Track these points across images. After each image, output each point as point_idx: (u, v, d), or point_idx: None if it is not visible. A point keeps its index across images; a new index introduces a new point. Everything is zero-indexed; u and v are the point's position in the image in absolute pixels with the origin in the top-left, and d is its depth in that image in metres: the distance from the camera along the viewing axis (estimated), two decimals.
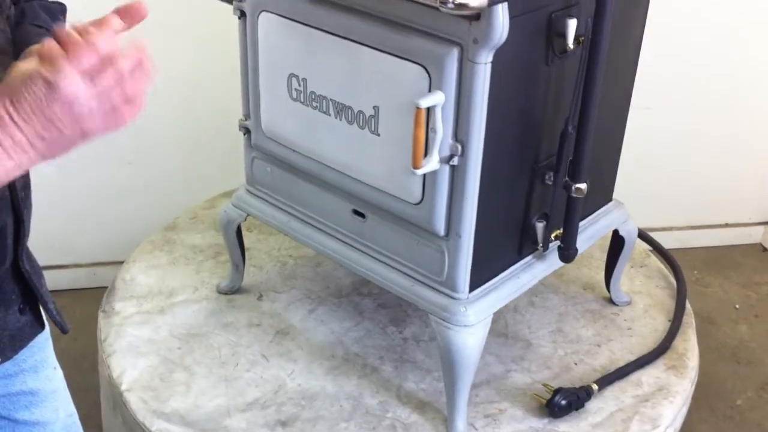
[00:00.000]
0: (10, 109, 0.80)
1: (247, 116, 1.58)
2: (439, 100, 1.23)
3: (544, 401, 1.49)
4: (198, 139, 2.33)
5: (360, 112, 1.35)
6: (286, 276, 1.84)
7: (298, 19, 1.39)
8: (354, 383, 1.56)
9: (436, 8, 1.12)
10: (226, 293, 1.78)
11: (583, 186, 1.40)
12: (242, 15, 1.48)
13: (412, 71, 1.26)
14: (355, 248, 1.50)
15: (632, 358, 1.64)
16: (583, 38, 1.29)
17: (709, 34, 2.33)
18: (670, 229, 2.58)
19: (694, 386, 1.61)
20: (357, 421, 1.48)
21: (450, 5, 1.08)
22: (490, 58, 1.20)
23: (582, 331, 1.71)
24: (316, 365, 1.60)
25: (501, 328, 1.70)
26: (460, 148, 1.27)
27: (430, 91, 1.25)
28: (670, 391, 1.57)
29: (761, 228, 2.69)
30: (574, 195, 1.41)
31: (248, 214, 1.66)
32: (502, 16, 1.16)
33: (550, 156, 1.42)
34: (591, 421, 1.50)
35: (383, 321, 1.72)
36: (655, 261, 1.92)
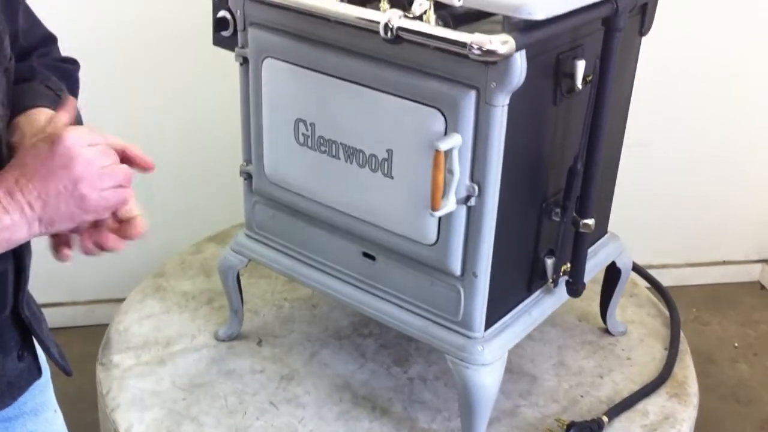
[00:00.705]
0: (16, 172, 0.83)
1: (248, 161, 1.57)
2: (457, 142, 1.25)
3: None
4: (193, 177, 2.36)
5: (372, 155, 1.36)
6: (284, 319, 1.83)
7: (306, 65, 1.39)
8: (366, 427, 1.55)
9: (462, 55, 1.13)
10: (224, 340, 1.75)
11: (590, 221, 1.42)
12: (244, 61, 1.48)
13: (428, 114, 1.27)
14: (366, 290, 1.50)
15: (635, 387, 1.67)
16: (590, 77, 1.32)
17: (708, 73, 2.38)
18: (669, 266, 2.59)
19: (696, 413, 1.64)
20: None
21: (476, 52, 1.10)
22: (507, 101, 1.22)
23: (583, 363, 1.73)
24: (326, 410, 1.59)
25: (509, 364, 1.71)
26: (476, 188, 1.28)
27: (446, 133, 1.26)
28: (677, 419, 1.59)
29: (759, 266, 2.72)
30: (582, 230, 1.43)
31: (249, 260, 1.65)
32: (520, 59, 1.18)
33: (556, 193, 1.44)
34: None
35: (387, 362, 1.72)
36: (644, 290, 1.96)
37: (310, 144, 1.43)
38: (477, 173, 1.27)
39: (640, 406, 1.62)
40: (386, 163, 1.35)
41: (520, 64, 1.18)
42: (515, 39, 1.10)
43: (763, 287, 2.71)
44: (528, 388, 1.66)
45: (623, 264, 1.70)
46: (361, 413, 1.58)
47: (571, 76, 1.32)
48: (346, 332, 1.80)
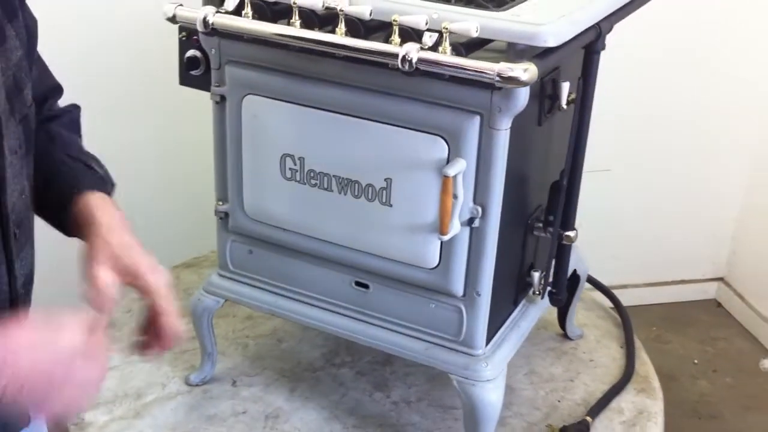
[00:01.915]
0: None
1: (223, 200, 1.54)
2: (462, 167, 1.29)
3: None
4: (154, 209, 2.33)
5: (369, 185, 1.37)
6: (252, 358, 1.80)
7: (293, 100, 1.39)
8: None
9: (470, 82, 1.18)
10: (198, 385, 1.70)
11: (573, 233, 1.50)
12: (221, 99, 1.46)
13: (430, 142, 1.30)
14: (359, 320, 1.51)
15: (604, 387, 1.75)
16: (572, 97, 1.40)
17: (666, 101, 2.48)
18: (628, 286, 2.66)
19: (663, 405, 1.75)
20: None
21: (496, 79, 1.14)
22: (509, 125, 1.27)
23: (552, 369, 1.80)
24: None
25: None
26: (480, 210, 1.32)
27: (448, 159, 1.30)
28: (651, 413, 1.69)
29: (715, 284, 2.83)
30: (564, 242, 1.51)
31: (226, 300, 1.62)
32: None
33: (536, 209, 1.51)
34: None
35: (367, 388, 1.73)
36: (588, 294, 2.07)
37: (298, 178, 1.43)
38: (481, 196, 1.32)
39: (614, 404, 1.71)
40: (384, 192, 1.37)
41: (524, 89, 1.24)
42: (536, 66, 1.15)
43: (719, 305, 2.80)
44: (508, 399, 1.69)
45: (582, 271, 1.79)
46: None
47: (554, 97, 1.38)
48: (319, 364, 1.79)
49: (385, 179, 1.36)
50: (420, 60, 1.16)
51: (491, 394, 1.43)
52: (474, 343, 1.42)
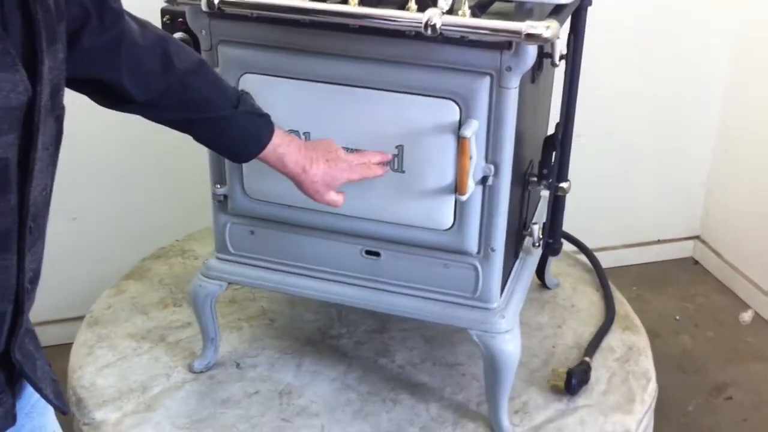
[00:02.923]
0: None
1: (220, 183, 1.53)
2: (476, 128, 1.32)
3: (562, 385, 1.64)
4: (143, 193, 2.36)
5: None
6: (250, 339, 1.79)
7: (294, 76, 1.39)
8: (386, 419, 1.59)
9: (481, 45, 1.22)
10: (202, 371, 1.69)
11: (566, 185, 1.57)
12: None
13: (442, 106, 1.34)
14: (370, 288, 1.53)
15: (590, 329, 1.85)
16: (564, 54, 1.45)
17: (637, 61, 2.50)
18: (607, 248, 2.70)
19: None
20: None
21: (522, 38, 1.18)
22: (518, 83, 1.32)
23: (539, 319, 1.88)
24: (340, 413, 1.60)
25: None
26: (493, 169, 1.37)
27: (460, 121, 1.34)
28: (640, 348, 1.79)
29: (691, 242, 2.86)
30: (559, 194, 1.57)
31: (229, 283, 1.61)
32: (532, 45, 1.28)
33: (529, 164, 1.57)
34: (598, 389, 1.67)
35: (370, 356, 1.76)
36: None
37: None
38: (494, 154, 1.36)
39: (604, 344, 1.80)
40: (396, 159, 1.39)
41: (533, 48, 1.28)
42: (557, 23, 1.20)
43: (696, 262, 2.84)
44: None
45: None
46: (374, 408, 1.61)
47: (547, 55, 1.44)
48: (316, 338, 1.81)
49: (397, 147, 1.38)
50: (444, 24, 1.19)
51: (509, 345, 1.48)
52: (490, 298, 1.47)
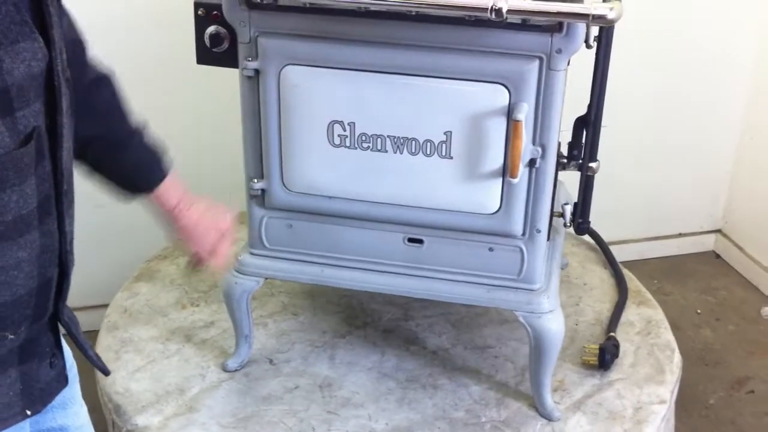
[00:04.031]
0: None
1: (258, 178, 1.51)
2: (527, 111, 1.35)
3: (594, 360, 1.68)
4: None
5: (428, 141, 1.40)
6: (277, 335, 1.78)
7: (339, 65, 1.39)
8: (431, 405, 1.60)
9: (533, 28, 1.24)
10: (237, 370, 1.67)
11: (596, 164, 1.60)
12: (255, 74, 1.43)
13: (491, 91, 1.35)
14: (412, 275, 1.54)
15: (607, 305, 1.90)
16: (596, 38, 1.49)
17: (661, 54, 2.46)
18: (628, 241, 2.68)
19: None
20: None
21: (591, 19, 1.21)
22: (566, 65, 1.34)
23: None
24: (384, 402, 1.60)
25: (497, 316, 1.84)
26: (540, 151, 1.39)
27: (509, 105, 1.36)
28: (657, 320, 1.85)
29: (713, 236, 2.83)
30: (589, 174, 1.61)
31: (266, 278, 1.60)
32: (581, 25, 1.31)
33: (558, 146, 1.60)
34: (627, 362, 1.72)
35: (401, 344, 1.76)
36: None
37: (348, 144, 1.43)
38: (542, 136, 1.38)
39: (623, 319, 1.85)
40: (444, 145, 1.40)
41: (582, 30, 1.31)
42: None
43: (717, 256, 2.80)
44: None
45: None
46: (416, 395, 1.62)
47: (587, 39, 1.45)
48: (343, 329, 1.80)
49: (445, 133, 1.40)
50: (510, 9, 1.21)
51: (553, 324, 1.51)
52: (534, 279, 1.50)
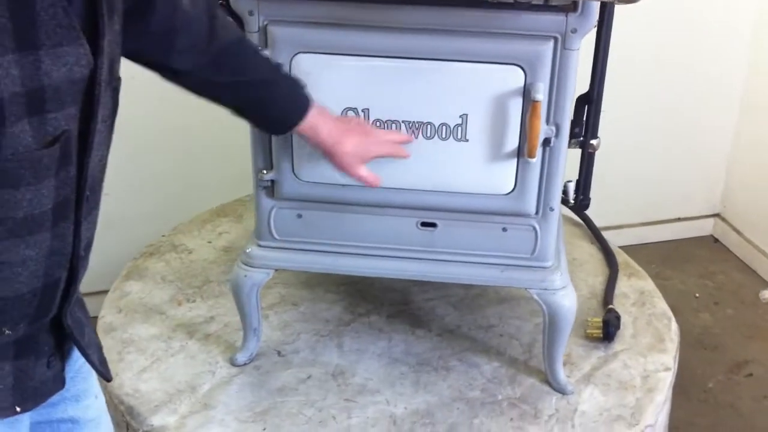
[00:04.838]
0: None
1: (267, 168, 1.49)
2: (543, 91, 1.36)
3: (599, 333, 1.72)
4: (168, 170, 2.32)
5: (443, 124, 1.41)
6: (281, 326, 1.77)
7: (351, 52, 1.38)
8: (446, 386, 1.61)
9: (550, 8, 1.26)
10: (246, 364, 1.65)
11: (596, 142, 1.63)
12: None
13: (506, 72, 1.36)
14: (425, 259, 1.54)
15: (600, 278, 1.94)
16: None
17: (659, 37, 2.47)
18: (626, 226, 2.70)
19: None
20: (482, 415, 1.55)
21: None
22: (580, 44, 1.36)
23: None
24: (399, 387, 1.61)
25: (495, 295, 1.86)
26: (554, 130, 1.41)
27: (525, 86, 1.37)
28: (650, 291, 1.90)
29: (711, 220, 2.84)
30: (590, 151, 1.63)
31: (277, 270, 1.58)
32: (595, 4, 1.33)
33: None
34: (628, 334, 1.76)
35: (406, 329, 1.77)
36: None
37: None
38: (556, 116, 1.40)
39: (617, 291, 1.89)
40: (459, 128, 1.41)
41: (596, 9, 1.33)
42: None
43: (716, 240, 2.81)
44: (531, 307, 1.83)
45: None
46: (430, 377, 1.63)
47: None
48: (347, 317, 1.80)
49: (461, 116, 1.40)
50: None
51: (566, 300, 1.54)
52: (547, 256, 1.52)
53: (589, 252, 2.04)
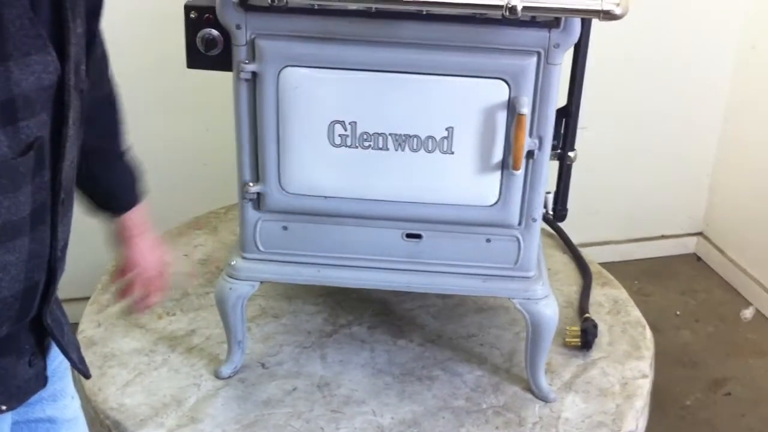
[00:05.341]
0: None
1: (254, 181, 1.50)
2: (527, 104, 1.40)
3: (578, 341, 1.75)
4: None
5: (429, 137, 1.43)
6: (263, 339, 1.77)
7: (339, 66, 1.40)
8: (430, 396, 1.63)
9: (533, 24, 1.31)
10: (230, 377, 1.65)
11: (573, 154, 1.67)
12: (252, 76, 1.41)
13: (491, 86, 1.39)
14: (412, 270, 1.56)
15: (574, 288, 1.98)
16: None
17: (644, 57, 2.49)
18: (610, 242, 2.72)
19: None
20: (468, 423, 1.57)
21: (601, 15, 1.26)
22: (562, 59, 1.40)
23: None
24: (384, 397, 1.62)
25: (474, 305, 1.89)
26: (538, 142, 1.45)
27: (509, 100, 1.40)
28: (622, 299, 1.95)
29: (694, 239, 2.86)
30: (567, 162, 1.67)
31: (261, 282, 1.58)
32: (577, 20, 1.37)
33: None
34: (605, 341, 1.80)
35: (388, 339, 1.78)
36: None
37: (349, 143, 1.44)
38: (540, 128, 1.43)
39: (592, 299, 1.93)
40: (445, 141, 1.43)
41: (578, 25, 1.37)
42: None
43: (699, 258, 2.83)
44: (510, 317, 1.85)
45: None
46: (414, 387, 1.65)
47: None
48: (328, 329, 1.81)
49: (447, 128, 1.43)
50: (524, 7, 1.25)
51: (548, 309, 1.57)
52: (529, 266, 1.55)
53: (562, 261, 2.08)
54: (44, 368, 1.07)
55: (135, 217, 1.26)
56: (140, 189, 1.26)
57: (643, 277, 2.69)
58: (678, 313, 2.57)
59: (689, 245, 2.89)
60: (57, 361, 1.12)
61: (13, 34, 0.84)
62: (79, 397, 1.22)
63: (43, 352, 1.07)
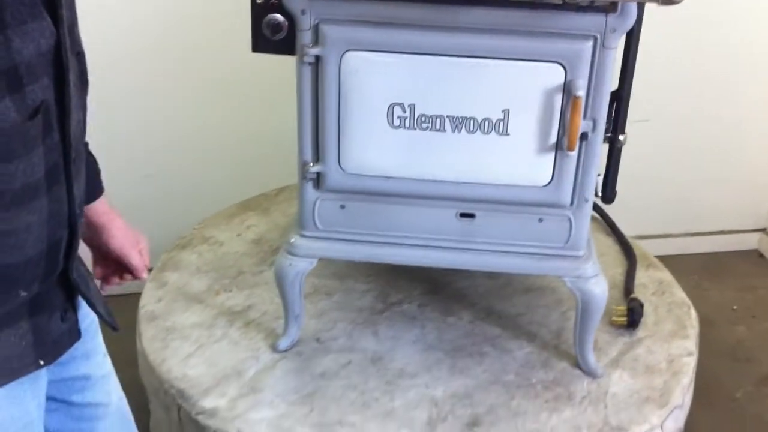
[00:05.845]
0: None
1: (314, 161, 1.55)
2: (583, 87, 1.44)
3: (624, 321, 1.79)
4: (213, 152, 2.42)
5: (486, 119, 1.47)
6: (317, 315, 1.83)
7: (400, 50, 1.44)
8: (481, 370, 1.68)
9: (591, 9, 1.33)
10: (287, 350, 1.72)
11: (623, 137, 1.70)
12: (315, 60, 1.47)
13: (548, 70, 1.43)
14: (463, 249, 1.61)
15: (619, 270, 2.01)
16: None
17: (707, 47, 2.49)
18: (670, 236, 2.71)
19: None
20: (519, 397, 1.62)
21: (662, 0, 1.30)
22: (618, 43, 1.44)
23: None
24: (436, 371, 1.68)
25: (520, 285, 1.94)
26: (592, 124, 1.49)
27: (565, 83, 1.44)
28: (667, 281, 1.98)
29: (757, 235, 2.82)
30: (618, 146, 1.71)
31: (319, 259, 1.64)
32: (634, 5, 1.40)
33: None
34: (650, 321, 1.84)
35: (438, 317, 1.84)
36: None
37: (407, 125, 1.49)
38: (594, 111, 1.47)
39: (637, 281, 1.97)
40: (501, 123, 1.48)
41: (635, 8, 1.40)
42: None
43: (761, 255, 2.79)
44: (557, 297, 1.90)
45: None
46: (465, 363, 1.70)
47: None
48: (379, 306, 1.86)
49: (503, 111, 1.47)
50: None
51: (598, 288, 1.61)
52: (580, 246, 1.60)
53: (607, 244, 2.12)
54: (76, 322, 1.12)
55: (105, 203, 1.29)
56: (100, 180, 1.28)
57: (702, 271, 2.67)
58: (735, 308, 2.54)
59: (751, 241, 2.86)
60: (88, 320, 1.17)
61: (9, 4, 0.87)
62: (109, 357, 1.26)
63: (74, 307, 1.12)
